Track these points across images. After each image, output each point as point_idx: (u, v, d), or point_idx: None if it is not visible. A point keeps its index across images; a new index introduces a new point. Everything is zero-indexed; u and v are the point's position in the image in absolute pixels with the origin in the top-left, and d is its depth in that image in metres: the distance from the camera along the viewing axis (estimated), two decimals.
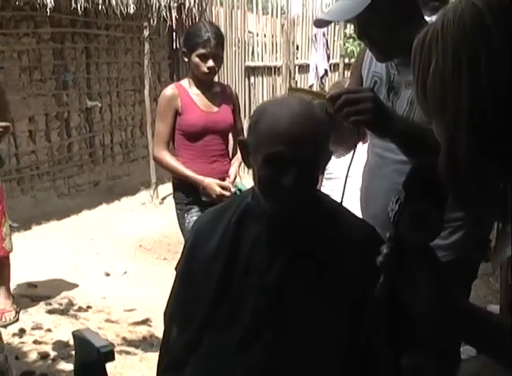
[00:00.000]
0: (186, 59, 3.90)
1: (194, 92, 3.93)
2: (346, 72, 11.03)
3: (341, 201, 2.00)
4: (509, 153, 1.01)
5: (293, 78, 10.83)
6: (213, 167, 3.95)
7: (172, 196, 4.08)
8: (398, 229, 1.21)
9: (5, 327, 4.42)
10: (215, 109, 3.98)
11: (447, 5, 1.07)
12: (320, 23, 2.29)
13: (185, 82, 3.98)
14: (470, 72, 0.99)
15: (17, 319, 4.61)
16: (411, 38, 2.17)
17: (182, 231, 3.99)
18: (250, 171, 1.84)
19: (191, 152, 3.93)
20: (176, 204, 4.00)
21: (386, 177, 2.26)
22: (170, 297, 2.01)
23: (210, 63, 3.79)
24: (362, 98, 1.88)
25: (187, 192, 3.89)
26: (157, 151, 3.94)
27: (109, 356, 1.69)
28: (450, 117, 1.03)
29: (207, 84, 3.96)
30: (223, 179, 3.94)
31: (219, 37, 3.86)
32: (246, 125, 2.03)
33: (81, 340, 1.76)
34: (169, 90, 3.92)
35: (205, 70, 3.81)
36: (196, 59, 3.80)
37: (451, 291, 1.23)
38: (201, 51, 3.77)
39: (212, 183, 3.78)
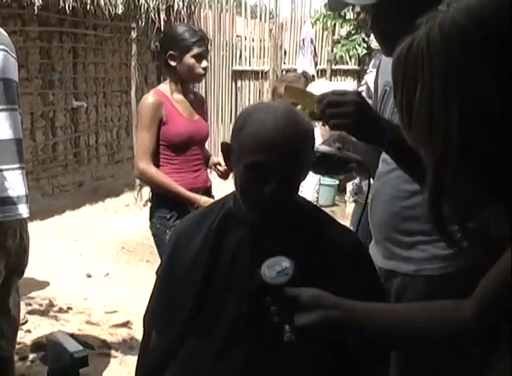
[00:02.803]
0: (173, 63, 3.60)
1: (176, 99, 3.68)
2: (333, 77, 11.06)
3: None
4: (500, 178, 1.01)
5: None
6: (196, 175, 3.74)
7: (151, 208, 3.79)
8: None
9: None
10: (196, 117, 3.77)
11: (429, 19, 1.04)
12: (335, 5, 2.26)
13: (166, 88, 3.70)
14: (459, 96, 0.97)
15: (26, 321, 4.58)
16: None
17: (158, 247, 3.71)
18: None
19: (174, 164, 3.67)
20: (157, 217, 3.67)
21: (389, 183, 2.21)
22: (150, 301, 2.00)
23: (205, 63, 3.63)
24: (345, 101, 1.80)
25: (171, 207, 3.61)
26: (144, 165, 3.58)
27: (83, 361, 1.67)
28: (438, 143, 1.01)
29: (189, 89, 3.77)
30: (207, 188, 3.79)
31: (208, 38, 3.73)
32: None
33: (55, 344, 1.74)
34: (151, 98, 3.62)
35: (201, 70, 3.62)
36: (192, 61, 3.57)
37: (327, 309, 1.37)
38: (197, 51, 3.56)
39: (209, 202, 3.33)
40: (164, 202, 3.65)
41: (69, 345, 1.70)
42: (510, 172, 1.00)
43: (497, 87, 0.94)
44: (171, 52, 3.59)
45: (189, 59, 3.57)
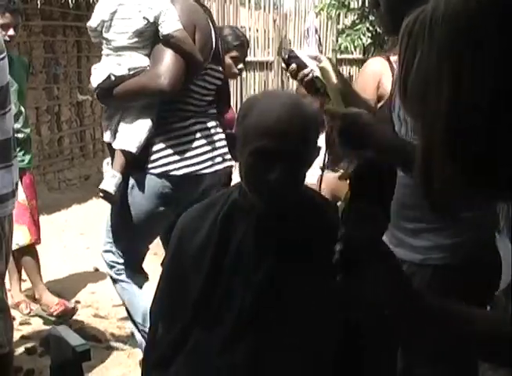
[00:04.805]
0: None
1: None
2: (339, 67, 11.01)
3: None
4: (486, 163, 0.98)
5: (286, 74, 10.80)
6: None
7: None
8: (348, 226, 1.21)
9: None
10: None
11: None
12: None
13: None
14: (452, 74, 0.95)
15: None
16: None
17: None
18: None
19: None
20: None
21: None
22: (156, 294, 1.99)
23: (241, 65, 4.19)
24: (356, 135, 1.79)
25: None
26: None
27: (85, 355, 1.66)
28: (428, 119, 1.00)
29: None
30: None
31: (248, 43, 4.36)
32: None
33: (57, 338, 1.73)
34: None
35: (236, 71, 4.18)
36: (229, 61, 4.04)
37: (405, 286, 1.21)
38: (235, 54, 4.10)
39: None
40: None
41: (71, 339, 1.69)
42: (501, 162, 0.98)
43: (495, 61, 0.93)
44: None
45: (227, 59, 3.99)
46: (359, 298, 1.24)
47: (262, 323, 1.73)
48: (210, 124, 3.27)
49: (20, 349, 4.00)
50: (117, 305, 4.82)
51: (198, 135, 3.22)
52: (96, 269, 5.65)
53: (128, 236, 3.40)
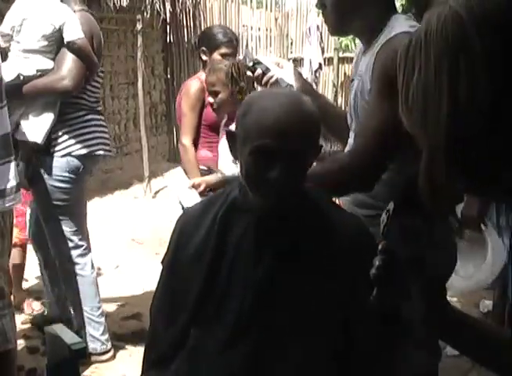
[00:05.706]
0: (205, 58, 4.21)
1: None
2: (340, 65, 11.01)
3: None
4: (486, 170, 1.00)
5: None
6: (215, 154, 4.16)
7: None
8: (389, 241, 1.20)
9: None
10: None
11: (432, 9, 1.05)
12: None
13: (203, 77, 4.21)
14: (449, 83, 0.97)
15: (43, 311, 4.64)
16: (370, 26, 2.15)
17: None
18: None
19: (209, 142, 4.21)
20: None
21: None
22: (156, 292, 1.98)
23: None
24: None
25: None
26: (187, 141, 4.14)
27: (81, 353, 1.66)
28: (430, 129, 1.01)
29: None
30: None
31: (237, 40, 4.39)
32: None
33: (53, 336, 1.72)
34: (196, 83, 4.16)
35: None
36: (219, 58, 4.11)
37: (442, 302, 1.23)
38: (224, 50, 4.15)
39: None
40: None
41: (66, 337, 1.68)
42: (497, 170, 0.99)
43: (488, 78, 0.94)
44: (203, 48, 4.24)
45: (216, 56, 4.15)
46: (392, 312, 1.25)
47: (262, 323, 1.72)
48: (99, 117, 3.89)
49: (22, 348, 4.00)
50: (120, 305, 4.85)
51: (91, 123, 3.78)
52: (99, 268, 5.66)
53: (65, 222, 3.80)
